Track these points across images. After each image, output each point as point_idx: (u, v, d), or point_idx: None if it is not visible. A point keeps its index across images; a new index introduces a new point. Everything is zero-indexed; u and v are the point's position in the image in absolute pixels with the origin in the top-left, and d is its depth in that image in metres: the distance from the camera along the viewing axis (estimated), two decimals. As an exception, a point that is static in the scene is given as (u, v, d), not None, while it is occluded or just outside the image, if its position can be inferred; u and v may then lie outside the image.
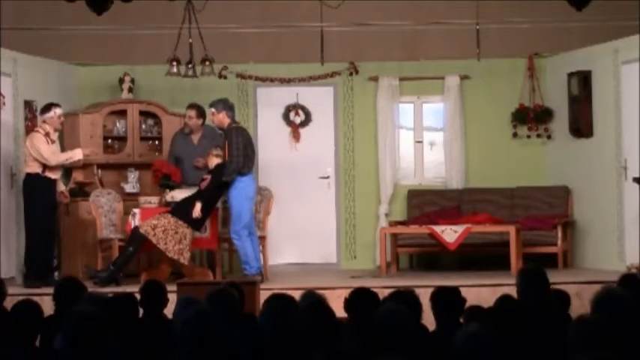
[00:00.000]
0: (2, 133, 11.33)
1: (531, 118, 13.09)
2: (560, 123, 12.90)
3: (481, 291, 9.83)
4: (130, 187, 12.60)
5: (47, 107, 11.08)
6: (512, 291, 6.57)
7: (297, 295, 6.07)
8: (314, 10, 11.87)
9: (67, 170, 11.94)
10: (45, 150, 10.88)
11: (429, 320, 6.14)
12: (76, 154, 11.25)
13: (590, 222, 12.49)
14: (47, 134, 10.98)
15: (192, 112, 11.79)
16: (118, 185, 12.56)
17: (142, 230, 10.88)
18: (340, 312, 6.00)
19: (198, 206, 10.90)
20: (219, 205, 11.28)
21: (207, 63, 11.55)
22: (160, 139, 12.81)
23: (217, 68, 12.17)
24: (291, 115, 13.41)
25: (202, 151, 11.58)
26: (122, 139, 12.78)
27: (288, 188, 13.06)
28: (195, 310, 5.14)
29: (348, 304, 6.15)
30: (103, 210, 11.64)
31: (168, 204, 11.33)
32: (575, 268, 12.44)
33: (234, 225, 10.97)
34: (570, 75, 12.59)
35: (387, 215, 13.16)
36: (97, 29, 12.04)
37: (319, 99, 13.37)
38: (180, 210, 11.00)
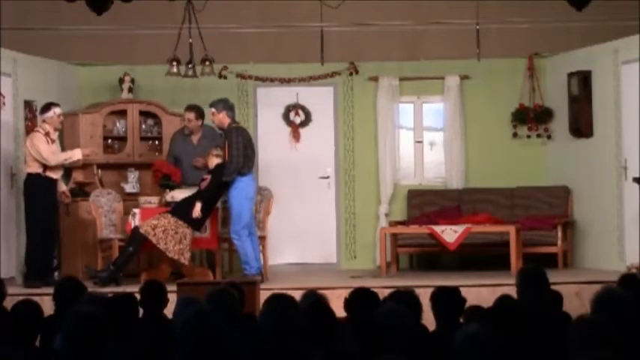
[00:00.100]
0: (2, 133, 11.33)
1: (531, 118, 13.08)
2: (560, 123, 12.90)
3: (481, 291, 9.83)
4: (130, 187, 12.59)
5: (47, 107, 11.09)
6: (512, 291, 6.57)
7: (297, 295, 6.06)
8: (314, 10, 11.86)
9: (67, 170, 11.93)
10: (44, 149, 10.88)
11: (429, 320, 6.14)
12: (76, 154, 11.25)
13: (590, 222, 12.48)
14: (47, 134, 10.99)
15: (191, 115, 11.77)
16: (118, 185, 12.56)
17: (142, 230, 10.87)
18: (340, 312, 6.00)
19: (198, 206, 10.89)
20: (219, 205, 11.27)
21: (207, 63, 11.55)
22: (160, 139, 12.81)
23: (217, 68, 12.17)
24: (291, 115, 13.41)
25: (202, 152, 11.57)
26: (122, 139, 12.78)
27: (288, 188, 13.05)
28: (195, 310, 5.14)
29: (348, 304, 6.15)
30: (103, 210, 11.64)
31: (168, 204, 11.32)
32: (575, 268, 12.43)
33: (234, 225, 10.96)
34: (570, 75, 12.59)
35: (387, 215, 13.15)
36: (97, 29, 12.04)
37: (319, 99, 13.36)
38: (181, 210, 11.00)
